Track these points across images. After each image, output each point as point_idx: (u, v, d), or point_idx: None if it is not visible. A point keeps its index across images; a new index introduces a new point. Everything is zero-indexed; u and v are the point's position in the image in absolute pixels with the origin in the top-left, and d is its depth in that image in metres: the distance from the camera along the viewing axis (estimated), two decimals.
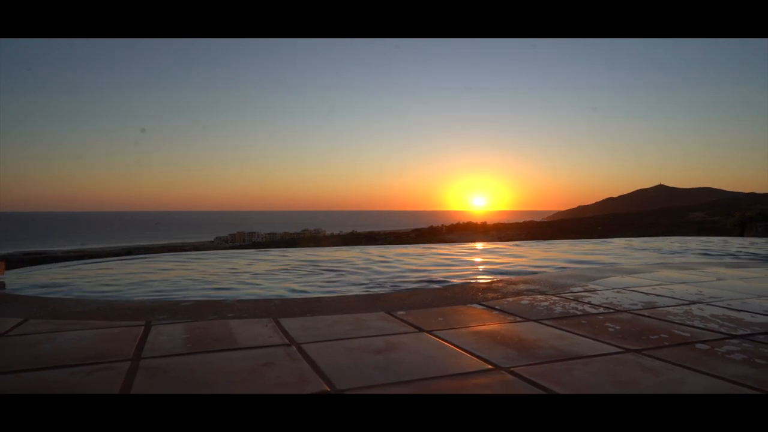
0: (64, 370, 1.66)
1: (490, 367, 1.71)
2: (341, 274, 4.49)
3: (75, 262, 5.49)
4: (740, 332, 2.17)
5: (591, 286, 3.41)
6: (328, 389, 1.50)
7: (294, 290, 3.69)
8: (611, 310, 2.61)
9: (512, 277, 3.96)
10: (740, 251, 6.66)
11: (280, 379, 1.58)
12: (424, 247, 7.37)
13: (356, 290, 3.63)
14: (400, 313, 2.54)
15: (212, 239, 47.39)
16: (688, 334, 2.13)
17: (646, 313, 2.54)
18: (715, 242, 8.36)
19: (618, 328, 2.24)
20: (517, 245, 7.66)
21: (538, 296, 3.02)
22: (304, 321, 2.36)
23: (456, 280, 4.05)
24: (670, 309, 2.65)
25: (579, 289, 3.29)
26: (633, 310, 2.63)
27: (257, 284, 3.99)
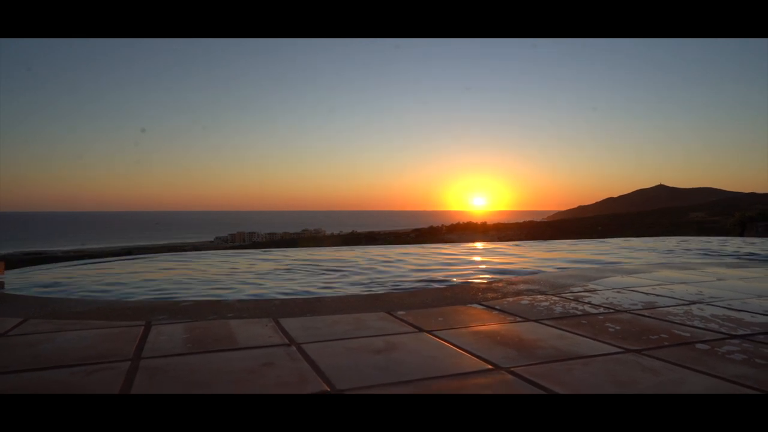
0: (64, 370, 1.66)
1: (490, 367, 1.71)
2: (341, 274, 4.49)
3: (75, 262, 5.49)
4: (740, 332, 2.17)
5: (591, 286, 3.41)
6: (328, 389, 1.50)
7: (294, 290, 3.69)
8: (611, 310, 2.61)
9: (512, 277, 3.96)
10: (740, 251, 6.66)
11: (280, 379, 1.58)
12: (424, 247, 7.36)
13: (356, 290, 3.63)
14: (400, 313, 2.54)
15: (212, 239, 47.41)
16: (688, 334, 2.13)
17: (646, 313, 2.54)
18: (715, 242, 8.36)
19: (618, 328, 2.24)
20: (517, 245, 7.66)
21: (538, 296, 3.02)
22: (304, 321, 2.36)
23: (456, 280, 4.05)
24: (670, 309, 2.65)
25: (579, 289, 3.29)
26: (633, 310, 2.63)
27: (257, 284, 3.99)
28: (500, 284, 3.50)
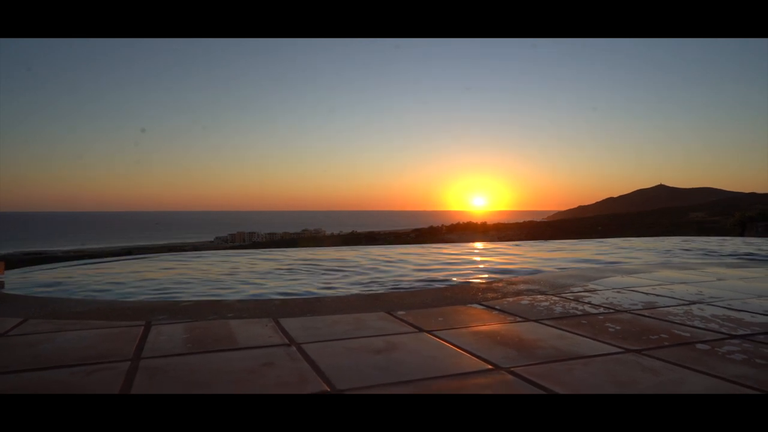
0: (64, 370, 1.66)
1: (490, 367, 1.70)
2: (341, 274, 4.49)
3: (75, 262, 5.49)
4: (740, 332, 2.17)
5: (591, 286, 3.41)
6: (328, 389, 1.49)
7: (294, 290, 3.69)
8: (611, 310, 2.61)
9: (512, 277, 3.96)
10: (740, 251, 6.66)
11: (280, 379, 1.58)
12: (424, 247, 7.36)
13: (356, 290, 3.63)
14: (400, 313, 2.54)
15: (212, 239, 47.42)
16: (688, 334, 2.13)
17: (646, 313, 2.54)
18: (715, 242, 8.35)
19: (618, 328, 2.24)
20: (517, 245, 7.66)
21: (538, 296, 3.02)
22: (304, 321, 2.36)
23: (456, 280, 4.05)
24: (670, 309, 2.65)
25: (579, 289, 3.29)
26: (633, 310, 2.63)
27: (257, 284, 3.99)
28: (500, 284, 3.50)
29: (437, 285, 3.78)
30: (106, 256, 6.89)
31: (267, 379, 1.58)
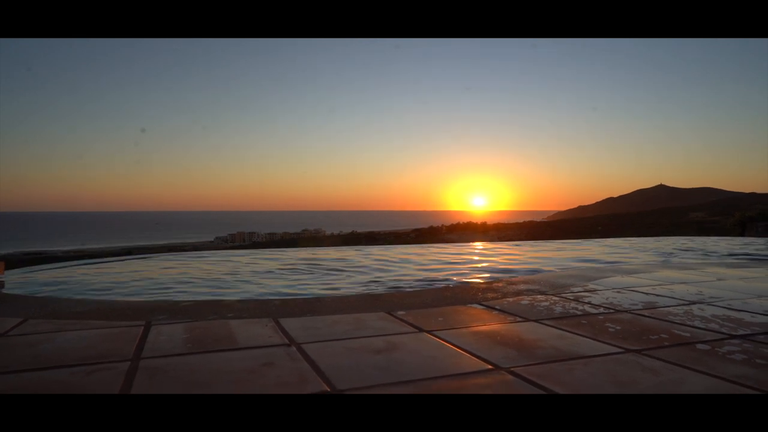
0: (64, 370, 1.66)
1: (490, 367, 1.70)
2: (341, 274, 4.49)
3: (75, 262, 5.49)
4: (740, 332, 2.16)
5: (591, 286, 3.41)
6: (328, 389, 1.49)
7: (294, 290, 3.69)
8: (611, 310, 2.61)
9: (512, 277, 3.96)
10: (740, 251, 6.66)
11: (280, 379, 1.58)
12: (424, 247, 7.36)
13: (356, 290, 3.63)
14: (400, 313, 2.54)
15: (212, 239, 47.42)
16: (688, 334, 2.13)
17: (646, 313, 2.54)
18: (715, 242, 8.36)
19: (618, 328, 2.24)
20: (517, 245, 7.66)
21: (538, 296, 3.02)
22: (304, 321, 2.36)
23: (456, 280, 4.05)
24: (670, 309, 2.65)
25: (579, 289, 3.29)
26: (633, 310, 2.63)
27: (257, 284, 3.99)
28: (500, 284, 3.50)
29: (437, 285, 3.78)
30: (106, 256, 6.89)
31: (267, 379, 1.58)
